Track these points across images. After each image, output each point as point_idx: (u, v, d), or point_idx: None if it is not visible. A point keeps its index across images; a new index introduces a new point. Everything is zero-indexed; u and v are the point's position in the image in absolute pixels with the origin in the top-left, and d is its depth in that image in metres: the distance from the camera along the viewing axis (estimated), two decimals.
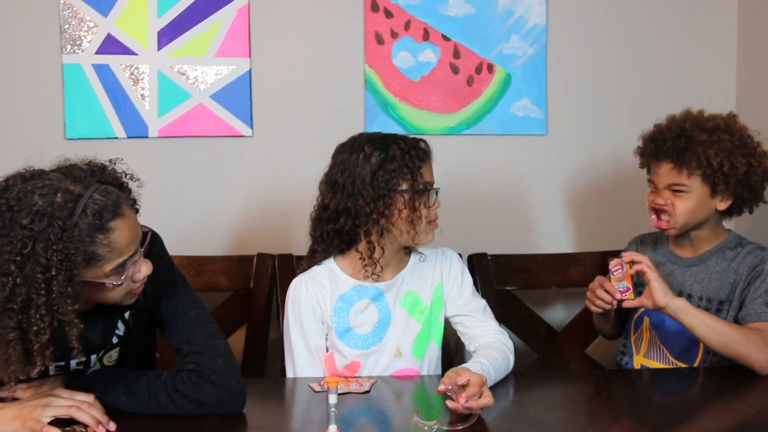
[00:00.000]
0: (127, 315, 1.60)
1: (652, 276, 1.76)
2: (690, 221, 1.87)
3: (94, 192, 1.34)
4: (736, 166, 1.80)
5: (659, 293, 1.75)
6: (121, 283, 1.39)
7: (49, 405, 1.40)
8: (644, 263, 1.78)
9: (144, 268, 1.43)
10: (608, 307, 1.84)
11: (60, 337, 1.35)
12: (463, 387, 1.45)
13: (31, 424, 1.37)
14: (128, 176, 1.47)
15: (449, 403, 1.45)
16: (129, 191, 1.45)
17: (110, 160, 1.45)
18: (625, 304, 1.82)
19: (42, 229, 1.26)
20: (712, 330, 1.72)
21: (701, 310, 1.76)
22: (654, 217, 1.90)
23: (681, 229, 1.88)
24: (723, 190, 1.83)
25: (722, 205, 1.86)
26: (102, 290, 1.39)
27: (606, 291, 1.83)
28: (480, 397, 1.45)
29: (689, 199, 1.84)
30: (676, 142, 1.83)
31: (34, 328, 1.28)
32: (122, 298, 1.44)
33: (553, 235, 2.49)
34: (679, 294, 1.89)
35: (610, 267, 1.83)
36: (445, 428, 1.40)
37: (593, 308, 1.87)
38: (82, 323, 1.33)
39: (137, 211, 1.46)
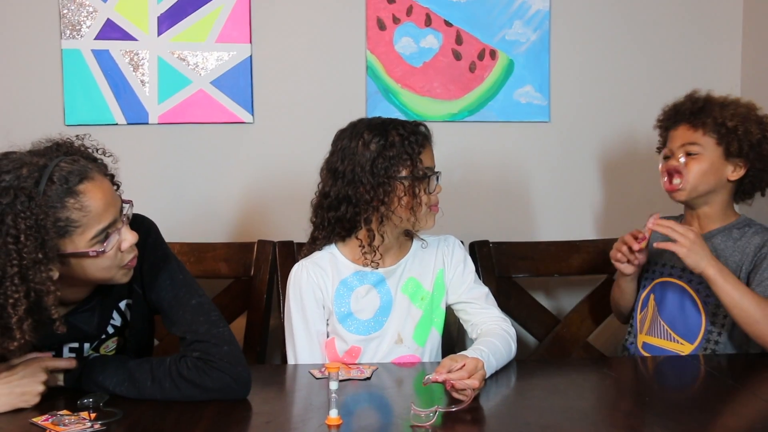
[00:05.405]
0: (122, 305, 1.60)
1: (682, 252, 1.74)
2: (700, 185, 1.86)
3: (60, 161, 1.36)
4: (751, 131, 1.83)
5: (691, 262, 1.74)
6: (104, 250, 1.39)
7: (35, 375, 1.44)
8: (677, 236, 1.76)
9: (129, 237, 1.44)
10: (623, 259, 1.90)
11: (50, 326, 1.35)
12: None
13: (26, 398, 1.42)
14: (99, 150, 1.48)
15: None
16: (104, 165, 1.45)
17: (77, 136, 1.47)
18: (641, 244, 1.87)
19: (9, 202, 1.28)
20: (735, 305, 1.72)
21: (733, 281, 1.74)
22: (666, 179, 1.91)
23: (690, 193, 1.87)
24: (736, 154, 1.84)
25: (734, 175, 1.87)
26: (91, 263, 1.39)
27: (626, 244, 1.89)
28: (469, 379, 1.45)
29: (702, 160, 1.85)
30: (694, 105, 1.89)
31: (11, 300, 1.28)
32: (115, 272, 1.44)
33: (555, 223, 2.48)
34: (683, 271, 1.89)
35: (649, 219, 1.85)
36: (442, 409, 1.40)
37: (614, 262, 1.94)
38: (59, 290, 1.33)
39: (114, 183, 1.47)
